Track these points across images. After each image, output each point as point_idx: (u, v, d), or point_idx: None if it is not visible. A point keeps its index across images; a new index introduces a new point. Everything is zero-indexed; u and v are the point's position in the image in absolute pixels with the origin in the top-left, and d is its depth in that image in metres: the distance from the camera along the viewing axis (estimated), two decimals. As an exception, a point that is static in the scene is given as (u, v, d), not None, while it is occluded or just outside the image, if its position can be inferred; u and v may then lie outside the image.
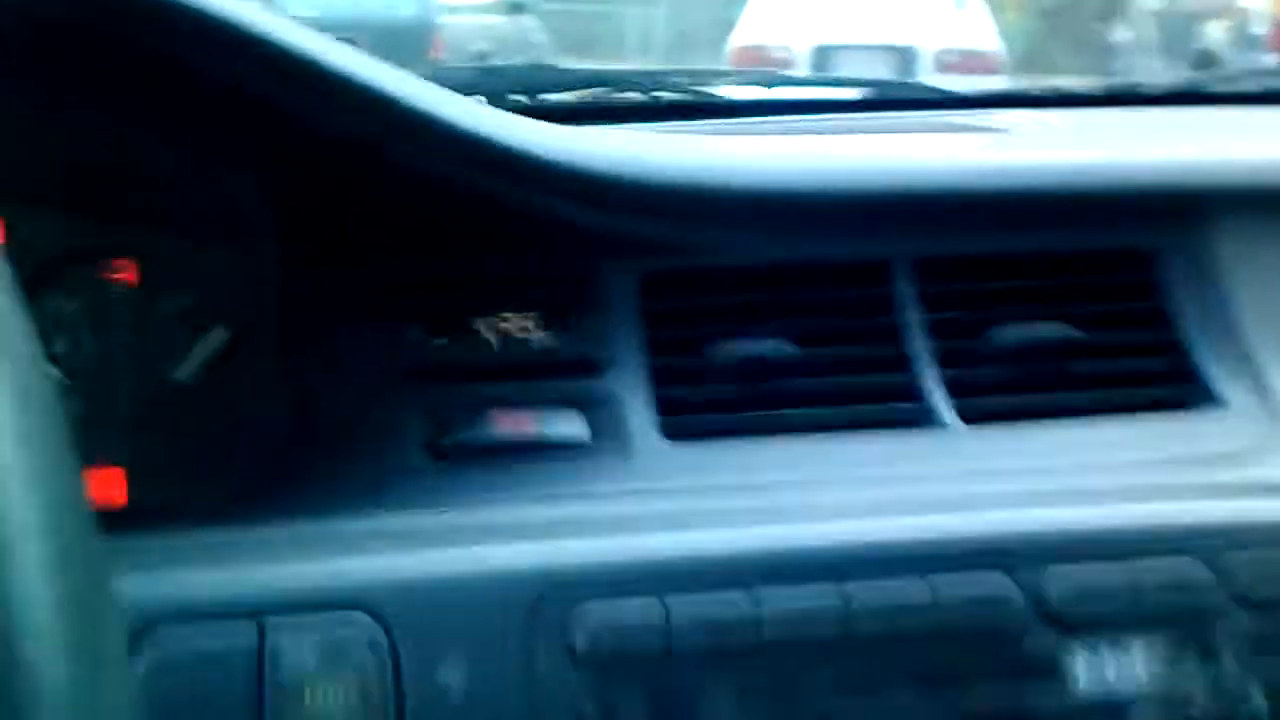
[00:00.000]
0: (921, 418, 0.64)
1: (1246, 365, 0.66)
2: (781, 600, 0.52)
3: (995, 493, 0.57)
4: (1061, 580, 0.54)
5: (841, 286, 0.67)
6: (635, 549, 0.53)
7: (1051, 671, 0.53)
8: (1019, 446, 0.62)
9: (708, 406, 0.63)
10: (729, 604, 0.52)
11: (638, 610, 0.51)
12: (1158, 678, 0.54)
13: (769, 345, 0.65)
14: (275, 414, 0.59)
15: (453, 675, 0.50)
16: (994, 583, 0.53)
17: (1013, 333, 0.66)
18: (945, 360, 0.66)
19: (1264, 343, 0.67)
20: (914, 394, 0.65)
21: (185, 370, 0.62)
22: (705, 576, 0.52)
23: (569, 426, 0.61)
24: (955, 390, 0.65)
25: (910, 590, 0.53)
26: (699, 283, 0.65)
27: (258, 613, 0.48)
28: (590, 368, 0.63)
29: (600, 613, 0.51)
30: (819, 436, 0.63)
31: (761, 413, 0.63)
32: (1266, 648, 0.56)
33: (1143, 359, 0.67)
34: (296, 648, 0.47)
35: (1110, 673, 0.54)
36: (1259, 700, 0.55)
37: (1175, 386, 0.66)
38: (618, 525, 0.54)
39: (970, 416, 0.64)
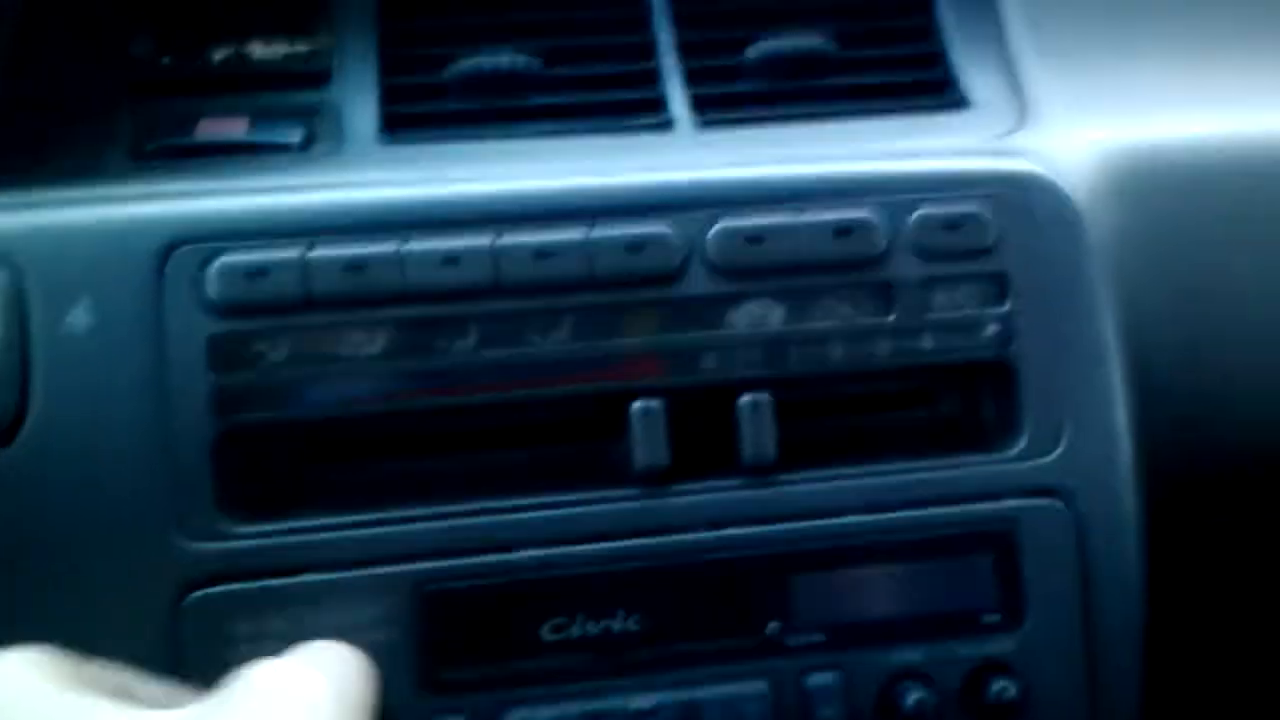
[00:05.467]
0: (663, 127, 0.61)
1: (1007, 73, 0.63)
2: (427, 244, 0.49)
3: (693, 163, 0.54)
4: (724, 226, 0.50)
5: (592, 5, 0.64)
6: (282, 203, 0.51)
7: (708, 316, 0.50)
8: (756, 145, 0.59)
9: (440, 119, 0.61)
10: (372, 248, 0.49)
11: (275, 256, 0.49)
12: (826, 321, 0.51)
13: (509, 59, 0.62)
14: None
15: (79, 321, 0.48)
16: (652, 228, 0.50)
17: (766, 46, 0.63)
18: (696, 76, 0.63)
19: (1025, 50, 0.63)
20: (659, 107, 0.62)
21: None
22: (351, 227, 0.50)
23: (282, 132, 0.59)
24: (704, 103, 0.62)
25: (563, 236, 0.50)
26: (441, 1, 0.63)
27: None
28: (316, 79, 0.62)
29: (235, 260, 0.49)
30: (549, 140, 0.60)
31: (493, 125, 0.61)
32: (937, 293, 0.52)
33: (903, 70, 0.64)
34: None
35: (775, 317, 0.51)
36: (928, 344, 0.51)
37: (934, 96, 0.63)
38: (281, 190, 0.52)
39: (715, 125, 0.61)
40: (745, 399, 0.49)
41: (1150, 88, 0.64)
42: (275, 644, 0.45)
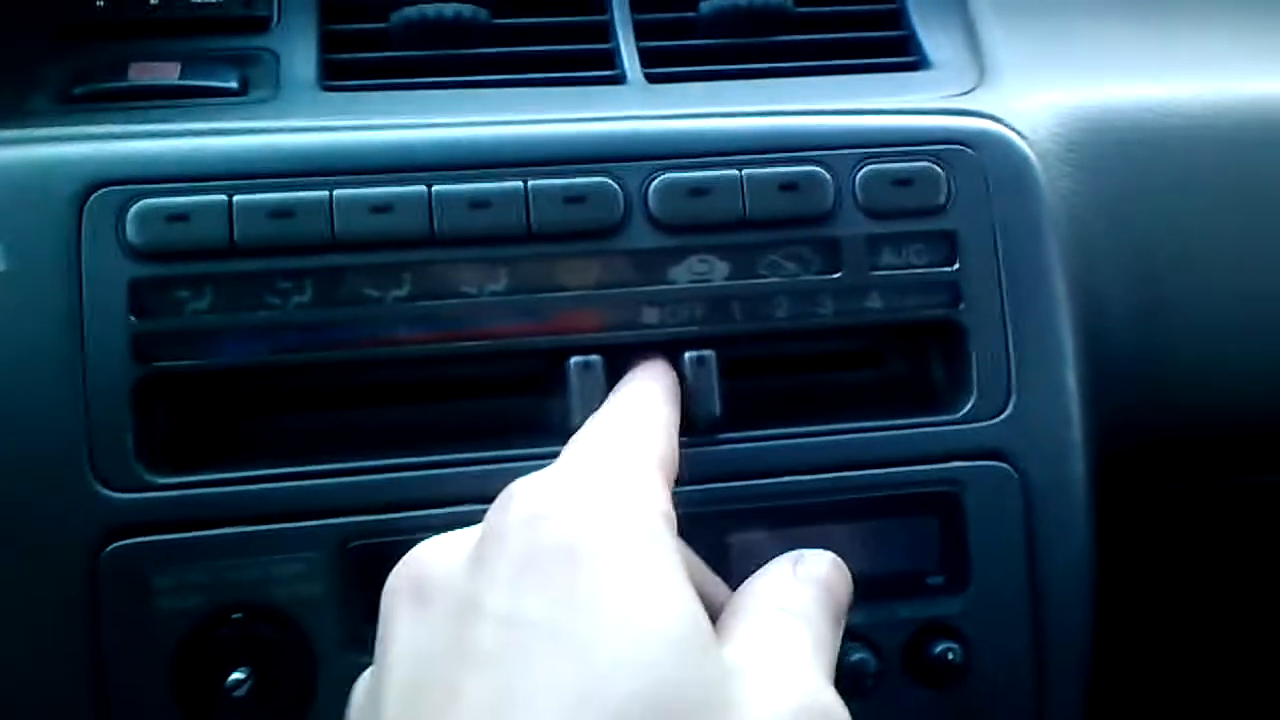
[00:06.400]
0: (613, 82, 0.60)
1: (967, 33, 0.62)
2: (358, 191, 0.48)
3: (638, 115, 0.52)
4: (667, 181, 0.49)
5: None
6: (208, 146, 0.49)
7: (650, 271, 0.49)
8: (705, 100, 0.57)
9: (382, 68, 0.59)
10: (300, 194, 0.48)
11: (198, 201, 0.47)
12: (771, 278, 0.49)
13: (454, 9, 0.60)
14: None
15: (-8, 261, 0.46)
16: (593, 180, 0.49)
17: (720, 1, 0.61)
18: (647, 30, 0.61)
19: (984, 11, 0.63)
20: (609, 61, 0.60)
21: None
22: (279, 172, 0.48)
23: (216, 78, 0.58)
24: (654, 58, 0.61)
25: (501, 186, 0.48)
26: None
27: None
28: (256, 25, 0.60)
29: (156, 204, 0.47)
30: (493, 92, 0.58)
31: (436, 76, 0.59)
32: (885, 252, 0.51)
33: (861, 29, 0.62)
34: None
35: (718, 272, 0.49)
36: (876, 303, 0.50)
37: (892, 55, 0.61)
38: (208, 134, 0.50)
39: (665, 79, 0.60)
40: (690, 355, 0.48)
41: (1109, 50, 0.63)
42: (195, 596, 0.43)
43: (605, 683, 0.29)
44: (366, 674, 0.36)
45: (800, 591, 0.37)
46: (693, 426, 0.47)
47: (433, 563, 0.34)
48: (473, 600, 0.32)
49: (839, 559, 0.40)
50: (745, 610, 0.36)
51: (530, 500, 0.33)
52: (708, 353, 0.48)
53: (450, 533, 0.36)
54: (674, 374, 0.46)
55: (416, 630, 0.32)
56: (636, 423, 0.39)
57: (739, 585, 0.40)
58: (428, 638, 0.32)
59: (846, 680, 0.46)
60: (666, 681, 0.29)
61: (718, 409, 0.48)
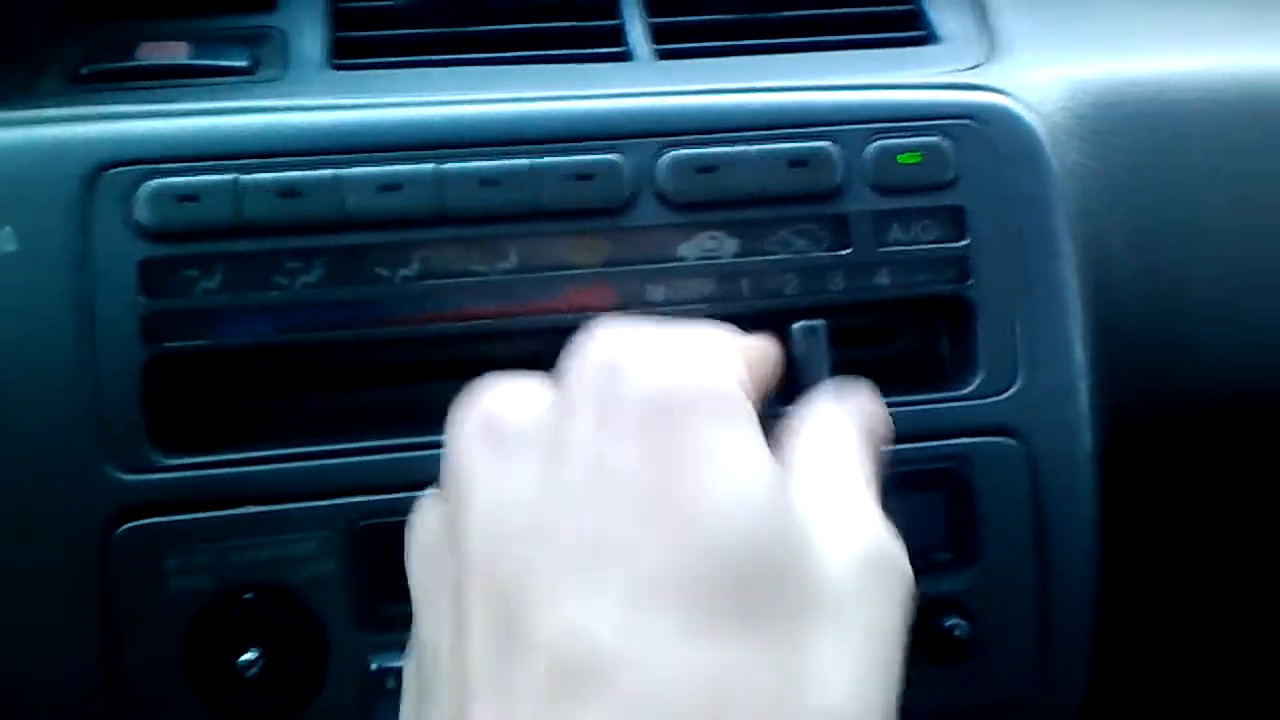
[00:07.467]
0: (621, 57, 0.59)
1: (976, 7, 0.61)
2: (367, 170, 0.48)
3: (647, 92, 0.52)
4: (676, 158, 0.49)
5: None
6: (217, 126, 0.49)
7: (659, 248, 0.49)
8: (714, 76, 0.57)
9: (391, 46, 0.59)
10: (309, 173, 0.48)
11: (208, 180, 0.47)
12: (780, 254, 0.49)
13: (461, -14, 0.60)
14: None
15: (4, 245, 0.47)
16: (601, 157, 0.49)
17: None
18: (656, 5, 0.61)
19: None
20: (618, 37, 0.60)
21: None
22: (288, 151, 0.48)
23: (225, 57, 0.58)
24: (663, 33, 0.60)
25: (509, 164, 0.48)
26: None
27: None
28: (264, 4, 0.60)
29: (165, 184, 0.47)
30: (502, 69, 0.58)
31: (445, 54, 0.59)
32: (894, 228, 0.51)
33: (870, 3, 0.62)
34: None
35: (727, 249, 0.49)
36: (884, 279, 0.50)
37: (901, 29, 0.61)
38: (217, 113, 0.50)
39: (673, 55, 0.59)
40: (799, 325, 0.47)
41: (1118, 23, 0.63)
42: (207, 577, 0.44)
43: (704, 535, 0.29)
44: (431, 517, 0.34)
45: (851, 434, 0.37)
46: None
47: (509, 408, 0.33)
48: (560, 445, 0.31)
49: (876, 397, 0.40)
50: (802, 456, 0.35)
51: (613, 347, 0.32)
52: (819, 322, 0.47)
53: (517, 378, 0.35)
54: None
55: (500, 474, 0.31)
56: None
57: None
58: (514, 481, 0.31)
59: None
60: (759, 541, 0.29)
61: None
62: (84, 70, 0.56)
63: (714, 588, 0.28)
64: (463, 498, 0.32)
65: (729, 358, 0.34)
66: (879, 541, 0.32)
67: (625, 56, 0.59)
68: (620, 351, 0.32)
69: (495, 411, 0.33)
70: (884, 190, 0.50)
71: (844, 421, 0.37)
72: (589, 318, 0.47)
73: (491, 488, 0.32)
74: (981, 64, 0.58)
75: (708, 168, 0.49)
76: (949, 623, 0.48)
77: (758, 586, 0.29)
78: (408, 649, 0.35)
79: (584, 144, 0.49)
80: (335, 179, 0.47)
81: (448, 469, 0.34)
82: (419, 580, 0.34)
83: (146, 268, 0.46)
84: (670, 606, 0.28)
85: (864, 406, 0.39)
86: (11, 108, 0.51)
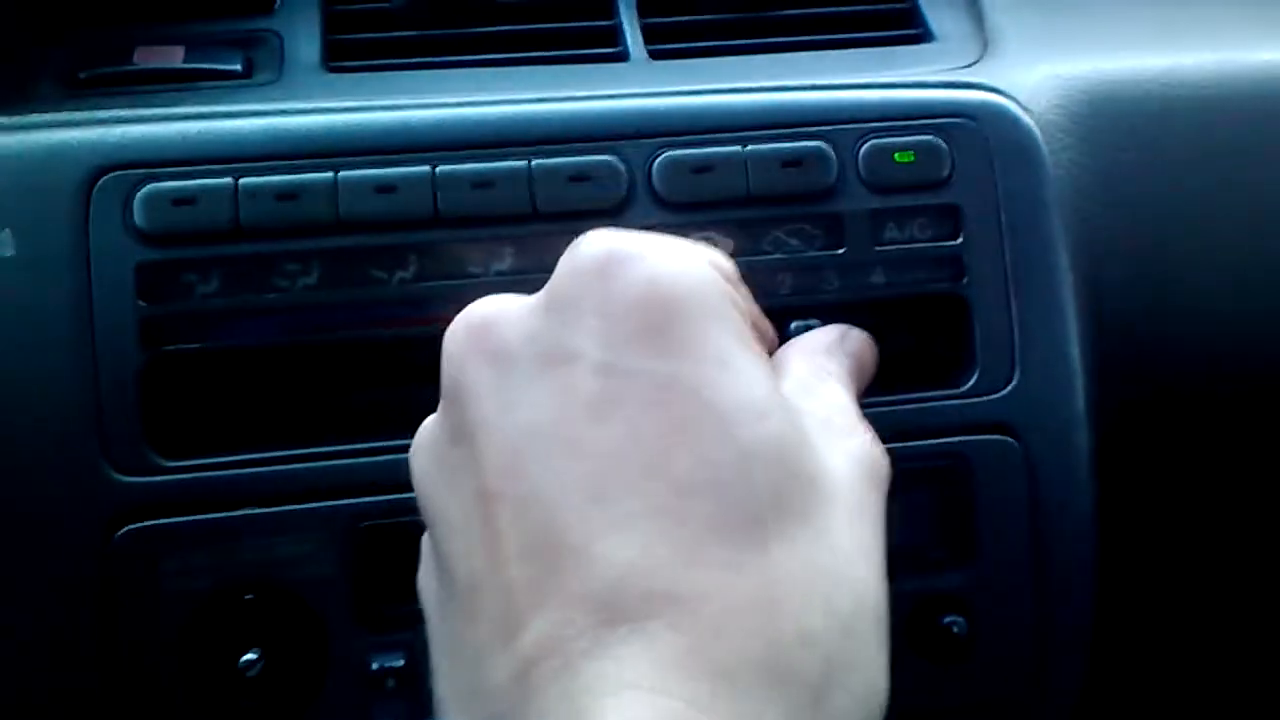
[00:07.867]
0: (616, 58, 0.60)
1: (971, 6, 0.61)
2: (362, 173, 0.48)
3: (641, 93, 0.52)
4: (671, 158, 0.49)
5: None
6: (213, 130, 0.49)
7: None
8: (708, 76, 0.57)
9: (386, 48, 0.59)
10: (305, 176, 0.48)
11: (204, 184, 0.48)
12: (774, 254, 0.49)
13: (460, -12, 0.60)
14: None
15: (3, 248, 0.47)
16: (596, 159, 0.49)
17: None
18: (650, 6, 0.61)
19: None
20: (613, 38, 0.60)
21: None
22: (284, 155, 0.48)
23: (219, 60, 0.58)
24: (657, 34, 0.61)
25: (504, 166, 0.48)
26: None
27: None
28: (259, 7, 0.60)
29: (162, 188, 0.47)
30: (496, 71, 0.58)
31: (440, 56, 0.59)
32: (888, 227, 0.51)
33: (864, 3, 0.62)
34: None
35: (722, 249, 0.49)
36: (879, 278, 0.50)
37: (896, 28, 0.61)
38: (213, 117, 0.50)
39: (667, 56, 0.60)
40: (795, 324, 0.48)
41: (1112, 21, 0.63)
42: (207, 578, 0.44)
43: (730, 425, 0.29)
44: (434, 435, 0.33)
45: (842, 360, 0.38)
46: None
47: (503, 319, 0.32)
48: (565, 351, 0.30)
49: (872, 338, 0.42)
50: (793, 365, 0.37)
51: (603, 244, 0.32)
52: (814, 322, 0.47)
53: (502, 295, 0.34)
54: None
55: (507, 388, 0.30)
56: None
57: None
58: (524, 395, 0.30)
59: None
60: (789, 441, 0.30)
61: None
62: (81, 75, 0.56)
63: (751, 491, 0.29)
64: (472, 416, 0.31)
65: (709, 255, 0.34)
66: (871, 448, 0.34)
67: (620, 57, 0.59)
68: (609, 249, 0.32)
69: (489, 327, 0.32)
70: (878, 189, 0.50)
71: (841, 350, 0.39)
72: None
73: (498, 407, 0.31)
74: (976, 62, 0.58)
75: (703, 168, 0.49)
76: (947, 620, 0.48)
77: (788, 484, 0.29)
78: (423, 556, 0.35)
79: (579, 145, 0.49)
80: (331, 181, 0.47)
81: (447, 384, 0.33)
82: (430, 496, 0.33)
83: (144, 271, 0.47)
84: (708, 513, 0.28)
85: (852, 334, 0.40)
86: (9, 112, 0.51)
